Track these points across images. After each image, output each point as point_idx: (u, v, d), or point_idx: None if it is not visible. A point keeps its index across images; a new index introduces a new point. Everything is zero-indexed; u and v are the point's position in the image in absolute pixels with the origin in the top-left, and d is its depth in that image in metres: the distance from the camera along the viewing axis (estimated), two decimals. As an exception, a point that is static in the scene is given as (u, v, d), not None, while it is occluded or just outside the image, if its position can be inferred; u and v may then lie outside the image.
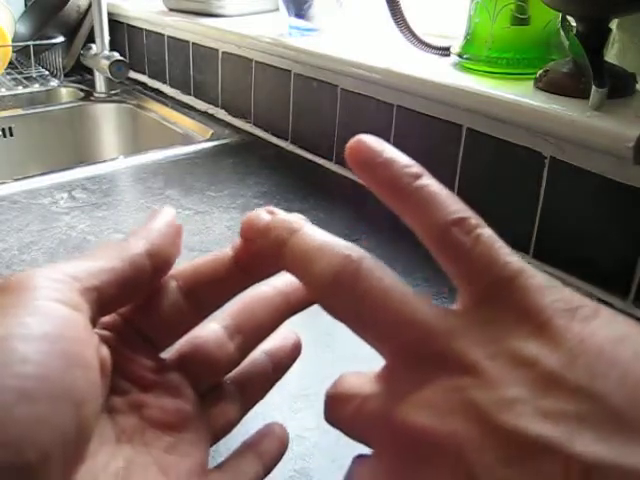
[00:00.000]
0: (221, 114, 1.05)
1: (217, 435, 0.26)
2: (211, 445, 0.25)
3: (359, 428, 0.21)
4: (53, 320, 0.18)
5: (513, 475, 0.15)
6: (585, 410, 0.15)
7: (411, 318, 0.19)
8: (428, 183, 0.21)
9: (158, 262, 0.23)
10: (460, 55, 0.67)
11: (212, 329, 0.26)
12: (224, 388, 0.27)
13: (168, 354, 0.25)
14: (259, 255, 0.23)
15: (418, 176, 0.21)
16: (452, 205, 0.20)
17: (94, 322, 0.21)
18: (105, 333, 0.23)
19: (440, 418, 0.17)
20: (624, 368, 0.16)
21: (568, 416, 0.15)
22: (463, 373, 0.18)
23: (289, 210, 0.22)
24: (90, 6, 1.18)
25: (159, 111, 1.13)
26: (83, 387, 0.18)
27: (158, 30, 1.16)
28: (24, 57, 1.28)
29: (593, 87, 0.53)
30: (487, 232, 0.20)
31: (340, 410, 0.21)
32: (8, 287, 0.19)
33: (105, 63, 1.12)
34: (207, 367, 0.26)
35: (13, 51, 1.25)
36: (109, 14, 1.16)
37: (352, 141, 0.22)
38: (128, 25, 1.25)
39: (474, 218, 0.20)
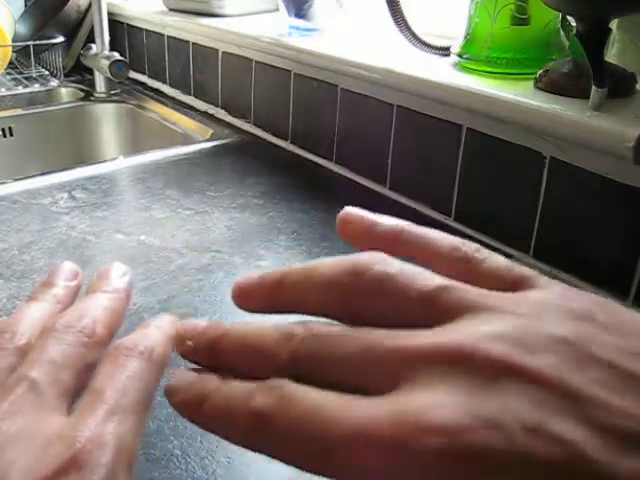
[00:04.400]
0: (221, 114, 1.05)
1: None
2: None
3: None
4: None
5: None
6: None
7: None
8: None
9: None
10: (460, 55, 0.67)
11: None
12: None
13: None
14: None
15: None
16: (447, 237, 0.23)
17: None
18: None
19: None
20: None
21: None
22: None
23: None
24: (90, 6, 1.18)
25: (159, 111, 1.13)
26: None
27: (158, 30, 1.16)
28: (24, 57, 1.28)
29: (593, 87, 0.53)
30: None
31: None
32: None
33: (105, 63, 1.12)
34: None
35: (13, 51, 1.25)
36: (109, 14, 1.16)
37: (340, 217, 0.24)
38: (128, 25, 1.25)
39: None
